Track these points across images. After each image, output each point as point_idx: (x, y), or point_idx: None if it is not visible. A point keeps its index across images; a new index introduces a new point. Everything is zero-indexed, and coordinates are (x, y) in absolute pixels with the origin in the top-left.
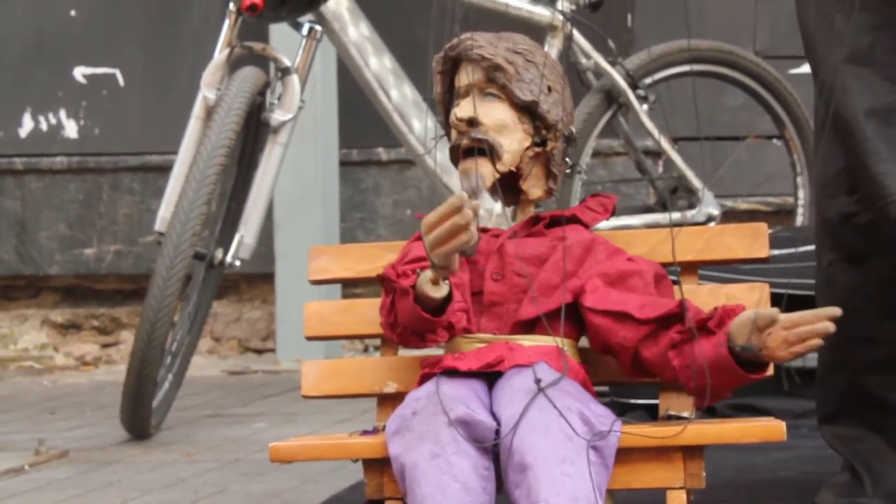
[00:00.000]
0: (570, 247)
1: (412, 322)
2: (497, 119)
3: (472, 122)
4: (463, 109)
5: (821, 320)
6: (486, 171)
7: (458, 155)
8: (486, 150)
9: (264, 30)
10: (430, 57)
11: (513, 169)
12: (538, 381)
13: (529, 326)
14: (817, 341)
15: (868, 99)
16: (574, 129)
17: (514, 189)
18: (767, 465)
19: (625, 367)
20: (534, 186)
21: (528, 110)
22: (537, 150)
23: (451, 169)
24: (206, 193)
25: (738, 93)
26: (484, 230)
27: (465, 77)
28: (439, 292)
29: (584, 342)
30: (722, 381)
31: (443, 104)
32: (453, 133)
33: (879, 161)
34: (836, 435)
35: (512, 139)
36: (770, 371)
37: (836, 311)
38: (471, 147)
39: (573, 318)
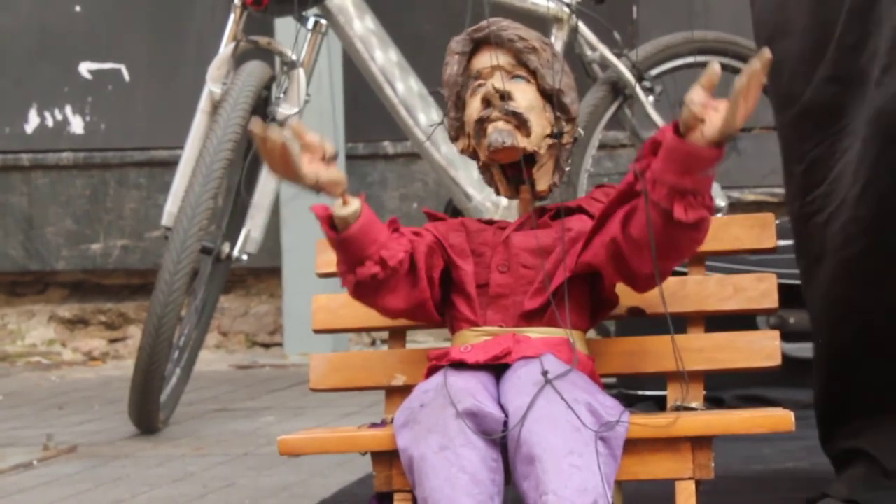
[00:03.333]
0: (575, 238)
1: (337, 253)
2: (528, 100)
3: (505, 97)
4: (499, 81)
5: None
6: (518, 136)
7: (484, 128)
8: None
9: (270, 24)
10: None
11: (535, 149)
12: (545, 373)
13: (536, 318)
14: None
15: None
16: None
17: (518, 178)
18: (776, 455)
19: (633, 262)
20: (543, 177)
21: (550, 99)
22: (554, 140)
23: (457, 161)
24: (213, 188)
25: None
26: (490, 222)
27: (487, 59)
28: (346, 210)
29: (591, 334)
30: (680, 169)
31: (455, 87)
32: (478, 105)
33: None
34: (840, 432)
35: (538, 121)
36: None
37: (766, 53)
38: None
39: (581, 308)
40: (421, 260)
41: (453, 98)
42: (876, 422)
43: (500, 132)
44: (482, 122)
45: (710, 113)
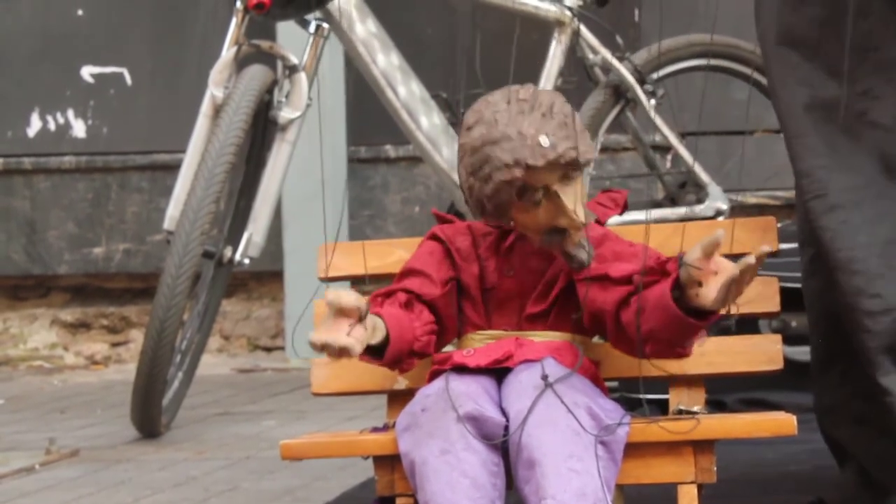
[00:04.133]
0: None
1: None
2: (582, 195)
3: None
4: (575, 214)
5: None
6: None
7: (560, 246)
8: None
9: (272, 28)
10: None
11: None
12: (545, 377)
13: (540, 321)
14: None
15: (807, 93)
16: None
17: None
18: (778, 459)
19: (611, 337)
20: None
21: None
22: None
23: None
24: (215, 192)
25: (745, 87)
26: (498, 226)
27: (544, 178)
28: (374, 340)
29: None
30: (665, 326)
31: (507, 198)
32: (544, 221)
33: (815, 156)
34: (836, 430)
35: (584, 198)
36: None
37: (764, 248)
38: None
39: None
40: (444, 310)
41: (493, 201)
42: (866, 432)
43: (585, 250)
44: (557, 240)
45: (710, 278)
